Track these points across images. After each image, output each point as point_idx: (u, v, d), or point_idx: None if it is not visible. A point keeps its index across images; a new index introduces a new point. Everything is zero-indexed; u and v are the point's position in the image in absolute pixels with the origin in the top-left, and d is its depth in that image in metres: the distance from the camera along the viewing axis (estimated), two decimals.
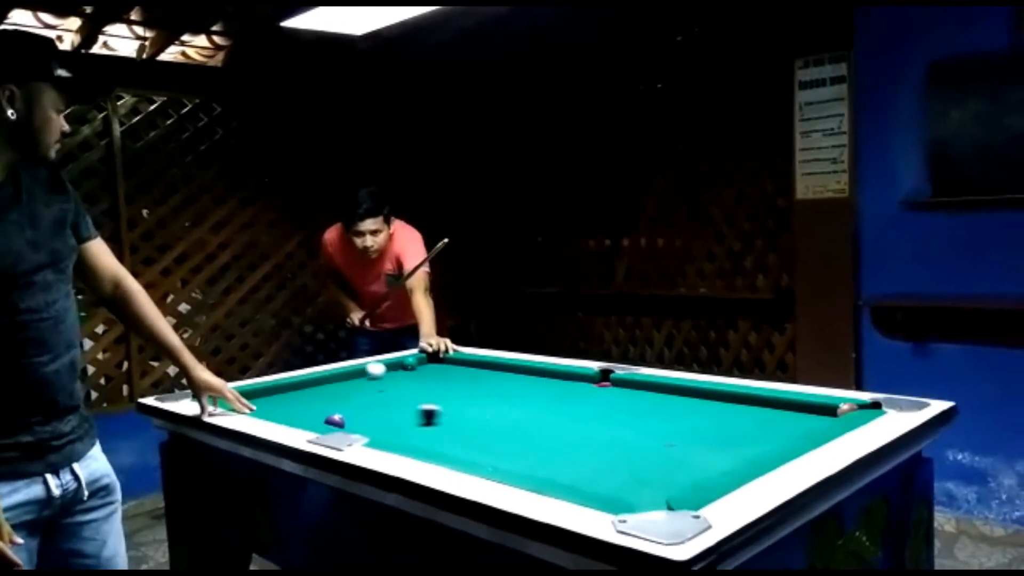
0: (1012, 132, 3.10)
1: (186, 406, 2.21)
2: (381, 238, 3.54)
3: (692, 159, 4.33)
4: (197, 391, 2.08)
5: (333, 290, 3.96)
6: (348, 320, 3.82)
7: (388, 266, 3.67)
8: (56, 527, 1.72)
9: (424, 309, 3.40)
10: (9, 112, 1.60)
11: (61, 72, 1.66)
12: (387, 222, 3.56)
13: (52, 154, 1.70)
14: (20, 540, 1.55)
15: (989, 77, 3.16)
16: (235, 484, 2.09)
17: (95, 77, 1.64)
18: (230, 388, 2.15)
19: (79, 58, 1.70)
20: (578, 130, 4.80)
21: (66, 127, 1.72)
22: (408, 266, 3.54)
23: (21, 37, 1.68)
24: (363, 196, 3.46)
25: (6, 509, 1.55)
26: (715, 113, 4.17)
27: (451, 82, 4.95)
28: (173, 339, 1.98)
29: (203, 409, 2.10)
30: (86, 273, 1.86)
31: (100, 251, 1.87)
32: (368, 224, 3.48)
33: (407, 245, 3.64)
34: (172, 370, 4.32)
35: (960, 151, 3.26)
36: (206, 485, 2.22)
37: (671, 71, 4.33)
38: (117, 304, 1.93)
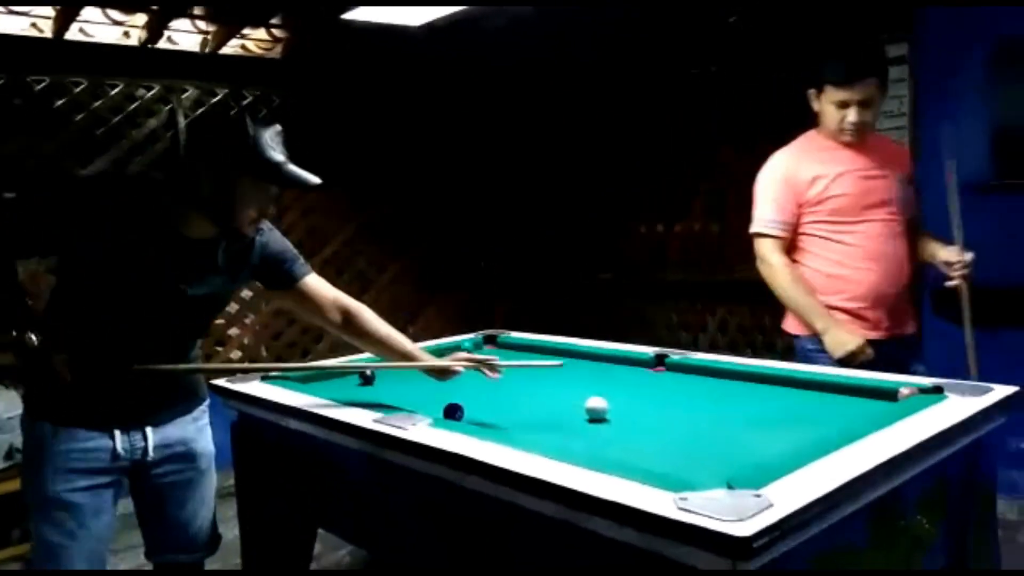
0: None
1: (255, 387, 2.30)
2: (874, 115, 2.50)
3: (747, 143, 4.28)
4: (441, 377, 2.09)
5: (791, 274, 2.56)
6: (837, 346, 2.44)
7: (897, 172, 2.60)
8: (139, 476, 1.95)
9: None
10: (204, 193, 1.74)
11: (275, 168, 1.74)
12: (882, 89, 2.51)
13: (247, 231, 1.82)
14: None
15: None
16: (303, 462, 2.18)
17: (292, 177, 1.79)
18: (459, 357, 2.10)
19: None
20: (630, 116, 4.79)
21: (271, 211, 1.83)
22: (908, 189, 2.58)
23: (232, 125, 1.75)
24: (849, 48, 2.50)
25: (83, 450, 1.82)
26: (770, 96, 4.12)
27: (503, 72, 4.98)
28: (408, 345, 2.11)
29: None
30: (312, 309, 2.04)
31: (317, 285, 2.04)
32: (858, 90, 2.42)
33: (912, 164, 2.73)
34: (235, 354, 4.46)
35: None
36: (275, 463, 2.30)
37: (724, 54, 4.29)
38: (350, 330, 2.07)
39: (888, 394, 1.95)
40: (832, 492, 1.29)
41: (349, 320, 2.06)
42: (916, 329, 2.63)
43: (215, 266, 1.87)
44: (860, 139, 2.51)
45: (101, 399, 1.84)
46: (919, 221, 2.70)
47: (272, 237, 1.97)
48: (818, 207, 2.54)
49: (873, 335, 2.49)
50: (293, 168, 1.77)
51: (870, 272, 2.51)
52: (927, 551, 1.65)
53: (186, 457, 1.99)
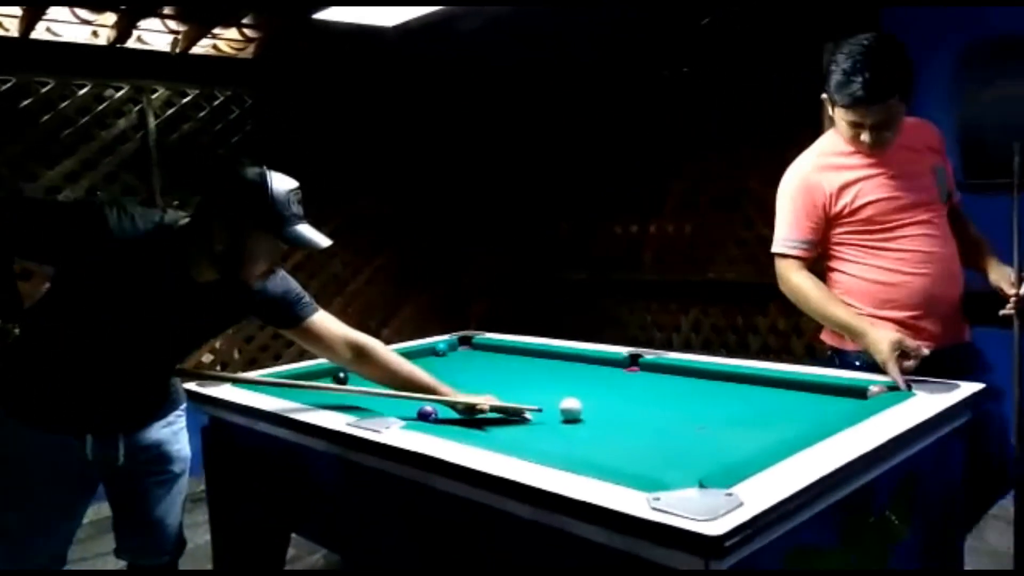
0: None
1: (227, 391, 2.28)
2: (895, 131, 2.17)
3: (720, 143, 4.32)
4: (466, 414, 1.98)
5: (820, 291, 2.26)
6: (881, 349, 2.05)
7: (931, 161, 2.30)
8: (113, 479, 1.93)
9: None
10: (216, 244, 1.73)
11: (290, 229, 1.75)
12: (905, 100, 2.14)
13: (253, 284, 1.82)
14: None
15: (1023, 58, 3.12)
16: (275, 465, 2.16)
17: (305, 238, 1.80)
18: (488, 400, 1.97)
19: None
20: (603, 116, 4.80)
21: (278, 265, 1.85)
22: (945, 177, 2.30)
23: (251, 183, 1.73)
24: (860, 61, 2.07)
25: (51, 452, 1.81)
26: (742, 97, 4.15)
27: (477, 71, 4.97)
28: (426, 378, 2.04)
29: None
30: (318, 346, 2.03)
31: (323, 323, 2.02)
32: (871, 114, 2.10)
33: (942, 140, 2.37)
34: (207, 358, 4.41)
35: (993, 133, 3.22)
36: (248, 467, 2.29)
37: (697, 55, 4.32)
38: (362, 365, 2.06)
39: (858, 392, 1.98)
40: (802, 490, 1.30)
41: (360, 356, 2.05)
42: (966, 337, 2.35)
43: (215, 305, 1.87)
44: (880, 154, 2.20)
45: (77, 405, 1.83)
46: (960, 212, 2.44)
47: (274, 279, 1.94)
48: (852, 217, 2.24)
49: (929, 347, 2.13)
50: (307, 228, 1.78)
51: (921, 277, 2.20)
52: (897, 549, 1.68)
53: (161, 460, 1.99)
